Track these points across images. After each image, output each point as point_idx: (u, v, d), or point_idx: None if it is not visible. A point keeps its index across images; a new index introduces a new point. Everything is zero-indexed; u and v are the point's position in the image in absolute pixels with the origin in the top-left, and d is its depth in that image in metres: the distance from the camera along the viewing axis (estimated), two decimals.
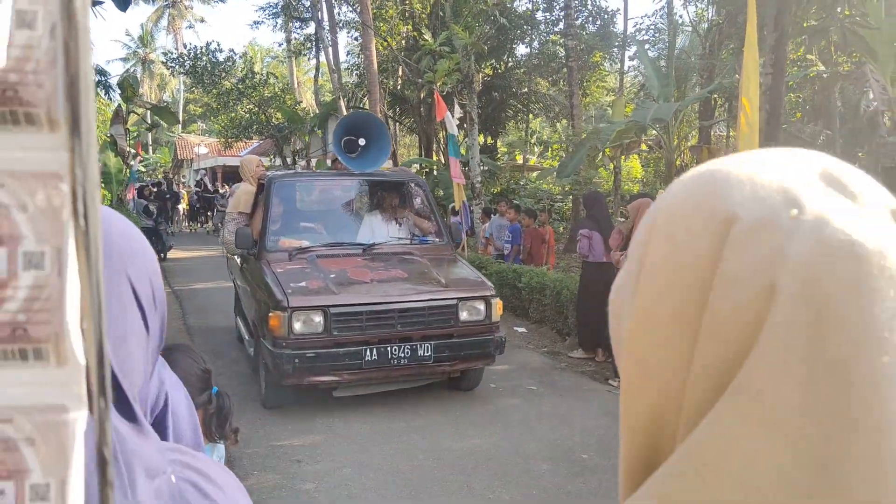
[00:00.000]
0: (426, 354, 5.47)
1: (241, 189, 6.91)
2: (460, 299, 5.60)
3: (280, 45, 25.18)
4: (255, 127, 21.79)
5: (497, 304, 5.77)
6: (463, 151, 14.76)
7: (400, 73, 19.49)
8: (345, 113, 15.29)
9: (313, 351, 5.14)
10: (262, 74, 22.00)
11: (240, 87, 20.49)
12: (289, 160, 21.59)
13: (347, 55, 23.47)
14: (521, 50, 20.35)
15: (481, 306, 5.67)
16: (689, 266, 0.45)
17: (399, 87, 20.42)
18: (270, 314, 5.15)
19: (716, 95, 16.15)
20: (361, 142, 7.00)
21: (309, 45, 22.39)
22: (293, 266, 5.78)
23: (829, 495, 0.40)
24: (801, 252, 0.41)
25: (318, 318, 5.21)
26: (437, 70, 12.84)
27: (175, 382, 1.01)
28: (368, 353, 5.29)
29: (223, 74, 20.26)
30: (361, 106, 22.80)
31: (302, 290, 5.31)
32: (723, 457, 0.41)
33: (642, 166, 22.04)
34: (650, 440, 0.48)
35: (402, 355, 5.39)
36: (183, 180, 34.32)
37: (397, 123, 21.83)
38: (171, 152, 35.72)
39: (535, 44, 19.45)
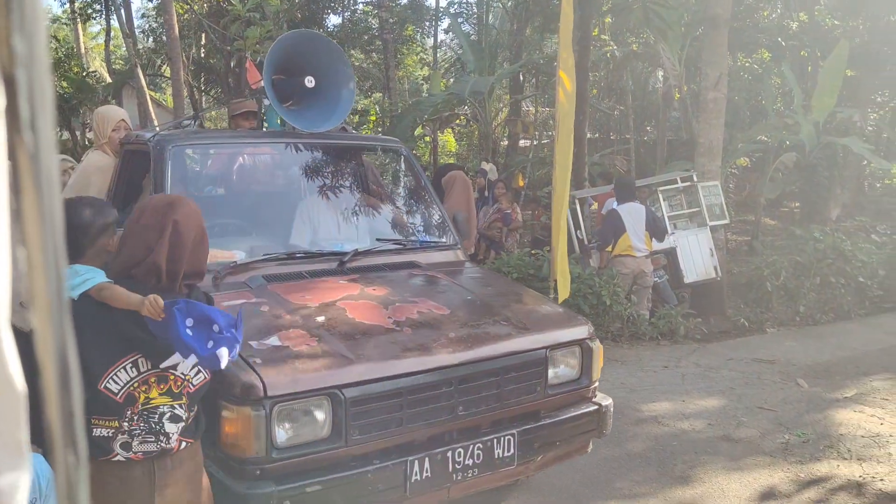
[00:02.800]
0: (507, 454, 3.05)
1: (90, 162, 4.10)
2: (550, 347, 3.23)
3: (63, 4, 22.58)
4: None
5: (599, 350, 3.48)
6: (279, 121, 14.13)
7: (203, 40, 18.29)
8: (143, 81, 13.94)
9: (317, 481, 2.60)
10: None
11: None
12: (78, 133, 19.55)
13: (143, 18, 21.62)
14: (334, 20, 19.93)
15: (575, 358, 3.38)
16: None
17: (204, 55, 19.20)
18: (225, 414, 2.54)
19: (523, 71, 16.88)
20: (309, 82, 4.13)
21: (98, 6, 20.27)
22: (232, 300, 3.08)
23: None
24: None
25: (321, 413, 2.66)
26: (247, 37, 12.14)
27: None
28: (417, 467, 2.81)
29: None
30: (162, 74, 21.19)
31: (279, 355, 2.69)
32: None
33: (456, 140, 22.59)
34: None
35: (471, 462, 2.94)
36: None
37: (203, 94, 20.58)
38: None
39: (348, 14, 19.10)
